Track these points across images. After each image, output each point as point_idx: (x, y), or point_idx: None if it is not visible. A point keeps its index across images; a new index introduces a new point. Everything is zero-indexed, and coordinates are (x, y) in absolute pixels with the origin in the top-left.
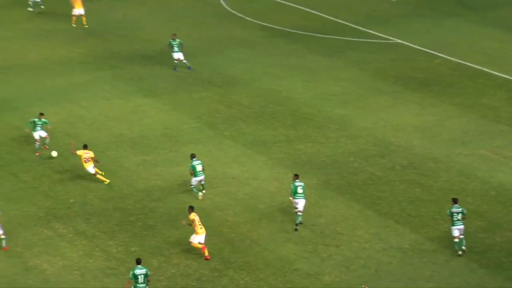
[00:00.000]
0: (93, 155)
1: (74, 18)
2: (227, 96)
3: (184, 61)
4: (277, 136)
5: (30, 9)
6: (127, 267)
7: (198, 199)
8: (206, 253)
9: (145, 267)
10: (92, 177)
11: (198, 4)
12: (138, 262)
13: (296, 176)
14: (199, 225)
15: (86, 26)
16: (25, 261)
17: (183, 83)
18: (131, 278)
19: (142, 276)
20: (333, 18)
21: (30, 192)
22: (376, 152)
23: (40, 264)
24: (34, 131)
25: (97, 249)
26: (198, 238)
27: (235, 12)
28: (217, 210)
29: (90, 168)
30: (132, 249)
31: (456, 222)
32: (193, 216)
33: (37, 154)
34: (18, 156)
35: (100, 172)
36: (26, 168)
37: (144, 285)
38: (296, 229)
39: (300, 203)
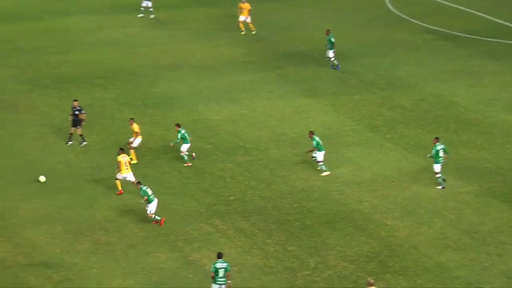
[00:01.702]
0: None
1: (241, 25)
2: (389, 98)
3: (332, 59)
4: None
5: (141, 14)
6: (284, 266)
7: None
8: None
9: (226, 261)
10: (248, 175)
11: (364, 6)
12: (219, 256)
13: (437, 139)
14: None
15: (254, 33)
16: (186, 255)
17: (344, 84)
18: (212, 271)
19: (223, 270)
20: (500, 21)
21: (192, 188)
22: None
23: (200, 258)
24: (186, 142)
25: (255, 246)
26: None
27: (401, 14)
28: (376, 213)
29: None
30: (289, 248)
31: None
32: None
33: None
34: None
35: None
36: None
37: (224, 279)
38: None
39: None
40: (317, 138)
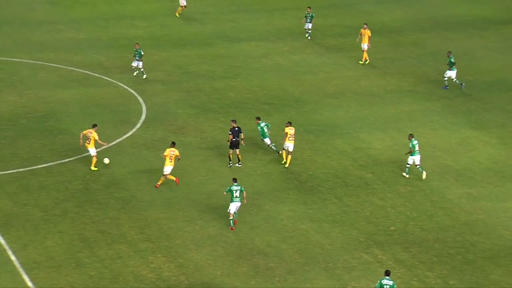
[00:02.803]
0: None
1: (364, 55)
2: None
3: (453, 79)
4: None
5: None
6: None
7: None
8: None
9: (392, 279)
10: (410, 205)
11: None
12: (387, 273)
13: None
14: None
15: (368, 62)
16: (344, 283)
17: None
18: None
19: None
20: None
21: (352, 216)
22: None
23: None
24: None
25: (415, 278)
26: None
27: None
28: None
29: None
30: (451, 282)
31: None
32: None
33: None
34: (343, 180)
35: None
36: (350, 193)
37: None
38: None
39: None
40: (414, 142)
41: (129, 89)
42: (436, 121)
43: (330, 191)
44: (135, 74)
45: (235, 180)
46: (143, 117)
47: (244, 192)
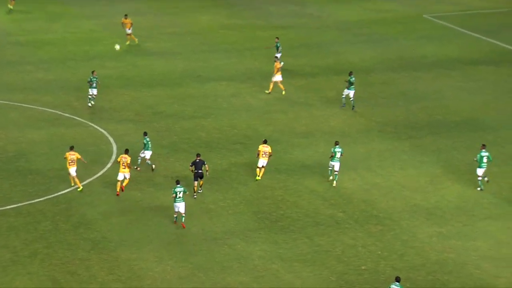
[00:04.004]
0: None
1: (271, 85)
2: None
3: (352, 99)
4: None
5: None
6: None
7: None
8: None
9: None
10: (381, 245)
11: (506, 78)
12: (397, 280)
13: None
14: None
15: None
16: None
17: None
18: None
19: None
20: None
21: (323, 256)
22: None
23: None
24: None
25: None
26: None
27: None
28: None
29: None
30: None
31: None
32: None
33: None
34: (313, 219)
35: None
36: (321, 232)
37: None
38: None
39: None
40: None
41: (99, 129)
42: (406, 160)
43: (301, 230)
44: (90, 104)
45: (178, 182)
46: (113, 157)
47: (186, 192)
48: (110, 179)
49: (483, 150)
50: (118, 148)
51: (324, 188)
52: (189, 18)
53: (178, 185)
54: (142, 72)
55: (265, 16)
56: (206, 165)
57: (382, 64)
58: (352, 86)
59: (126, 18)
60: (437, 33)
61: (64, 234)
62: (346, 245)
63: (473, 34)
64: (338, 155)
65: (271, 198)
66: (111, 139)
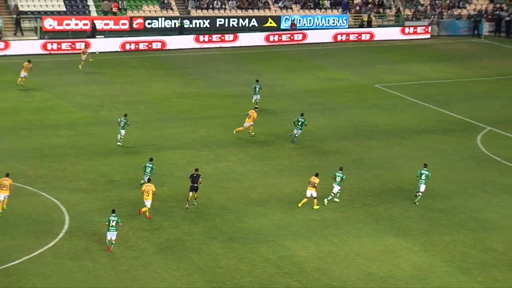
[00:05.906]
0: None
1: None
2: (481, 241)
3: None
4: None
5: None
6: None
7: None
8: None
9: None
10: None
11: (456, 146)
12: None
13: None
14: None
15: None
16: None
17: (435, 225)
18: None
19: None
20: None
21: None
22: None
23: None
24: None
25: None
26: None
27: (493, 156)
28: None
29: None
30: None
31: None
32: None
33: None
34: None
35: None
36: None
37: None
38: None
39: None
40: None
41: (52, 198)
42: (360, 228)
43: None
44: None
45: (113, 211)
46: (65, 226)
47: (120, 223)
48: (61, 250)
49: (425, 168)
50: (70, 218)
51: (278, 257)
52: (143, 87)
53: (113, 214)
54: (95, 140)
55: (219, 84)
56: (200, 178)
57: (336, 132)
58: (299, 126)
59: (29, 63)
60: (389, 102)
61: None
62: None
63: (423, 103)
64: (338, 179)
65: (225, 267)
66: (63, 209)
